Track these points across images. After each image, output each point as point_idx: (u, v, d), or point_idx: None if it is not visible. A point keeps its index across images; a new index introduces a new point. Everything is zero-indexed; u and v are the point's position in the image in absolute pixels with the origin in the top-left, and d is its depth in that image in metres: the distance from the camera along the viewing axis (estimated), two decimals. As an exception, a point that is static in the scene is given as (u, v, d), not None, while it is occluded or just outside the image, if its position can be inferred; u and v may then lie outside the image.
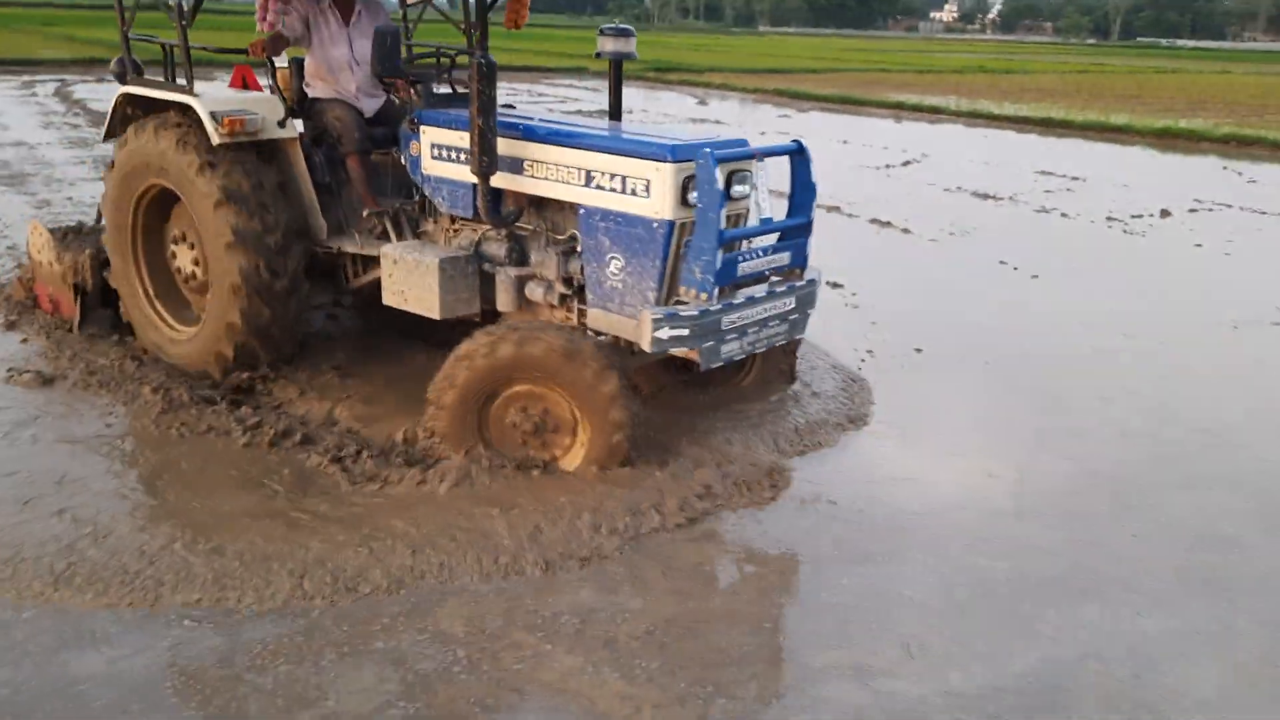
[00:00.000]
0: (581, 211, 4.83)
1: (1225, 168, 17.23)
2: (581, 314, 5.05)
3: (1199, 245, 10.70)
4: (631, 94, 28.64)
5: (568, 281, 5.08)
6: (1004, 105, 26.13)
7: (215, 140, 5.27)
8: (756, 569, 4.19)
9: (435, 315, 5.13)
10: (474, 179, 4.96)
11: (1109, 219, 11.97)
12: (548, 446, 4.77)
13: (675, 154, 4.50)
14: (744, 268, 4.75)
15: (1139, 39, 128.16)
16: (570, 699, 3.27)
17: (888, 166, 16.01)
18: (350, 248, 5.68)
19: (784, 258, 4.98)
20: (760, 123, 22.22)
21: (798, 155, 4.92)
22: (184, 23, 5.37)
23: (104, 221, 6.23)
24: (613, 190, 4.68)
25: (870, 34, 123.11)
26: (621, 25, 5.46)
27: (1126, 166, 17.19)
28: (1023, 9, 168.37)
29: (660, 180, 4.52)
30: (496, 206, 5.05)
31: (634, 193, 4.61)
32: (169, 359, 5.86)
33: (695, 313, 4.50)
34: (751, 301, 4.71)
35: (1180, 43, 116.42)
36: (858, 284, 8.39)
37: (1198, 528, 4.64)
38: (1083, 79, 39.64)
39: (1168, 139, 20.85)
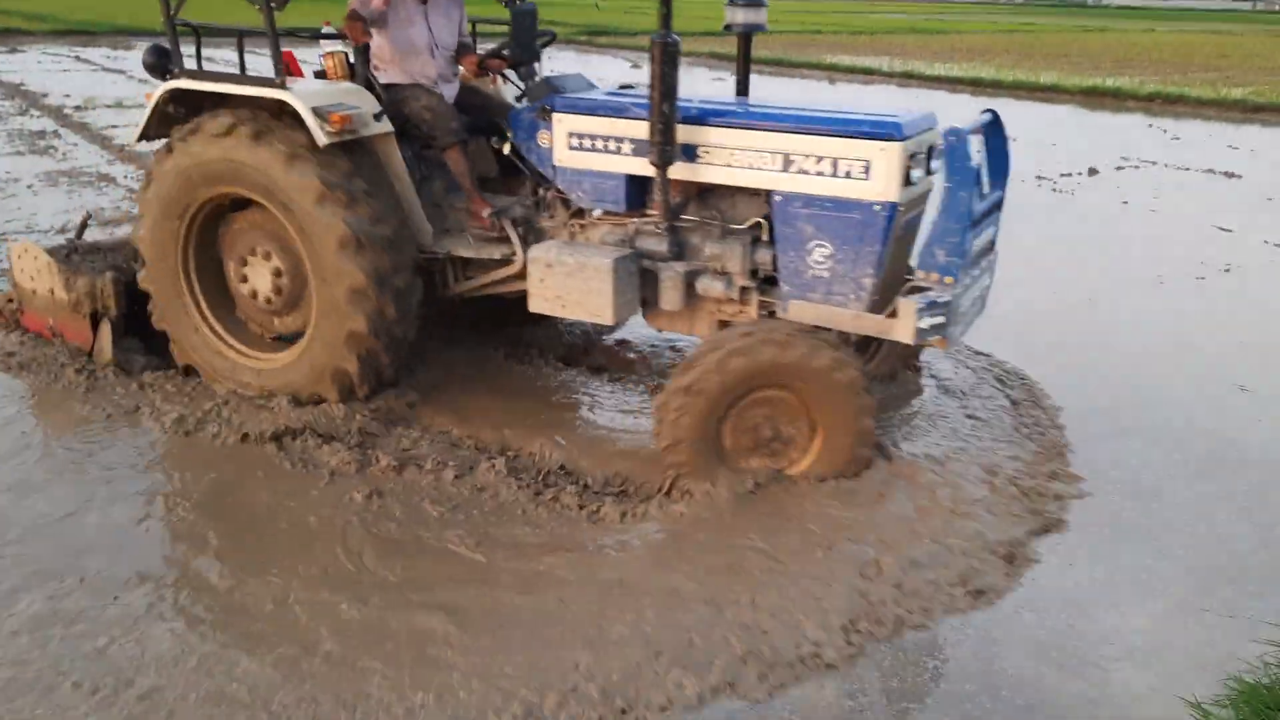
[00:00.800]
0: (777, 198, 4.49)
1: (1151, 125, 17.57)
2: (764, 306, 4.76)
3: (1125, 202, 10.91)
4: (563, 58, 28.29)
5: (753, 273, 4.76)
6: (935, 66, 26.32)
7: (322, 140, 4.70)
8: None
9: (607, 320, 4.70)
10: (625, 169, 4.74)
11: (1038, 178, 12.15)
12: (779, 456, 4.51)
13: (902, 131, 4.20)
14: (973, 246, 4.50)
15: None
16: None
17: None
18: (464, 251, 5.22)
19: (992, 233, 4.82)
20: (695, 87, 22.11)
21: (993, 126, 4.67)
22: (273, 4, 4.79)
23: (130, 236, 5.62)
24: (819, 174, 4.34)
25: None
26: None
27: (1055, 125, 17.48)
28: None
29: (885, 160, 4.21)
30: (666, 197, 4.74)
31: (848, 175, 4.29)
32: (247, 389, 5.25)
33: (949, 298, 4.25)
34: (974, 280, 4.50)
35: (1106, 1, 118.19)
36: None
37: (1124, 479, 4.76)
38: (1011, 39, 40.09)
39: (1095, 97, 21.20)
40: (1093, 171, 12.61)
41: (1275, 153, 14.91)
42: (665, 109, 4.34)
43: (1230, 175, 12.68)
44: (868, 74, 25.65)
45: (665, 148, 4.42)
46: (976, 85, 23.17)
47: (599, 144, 4.81)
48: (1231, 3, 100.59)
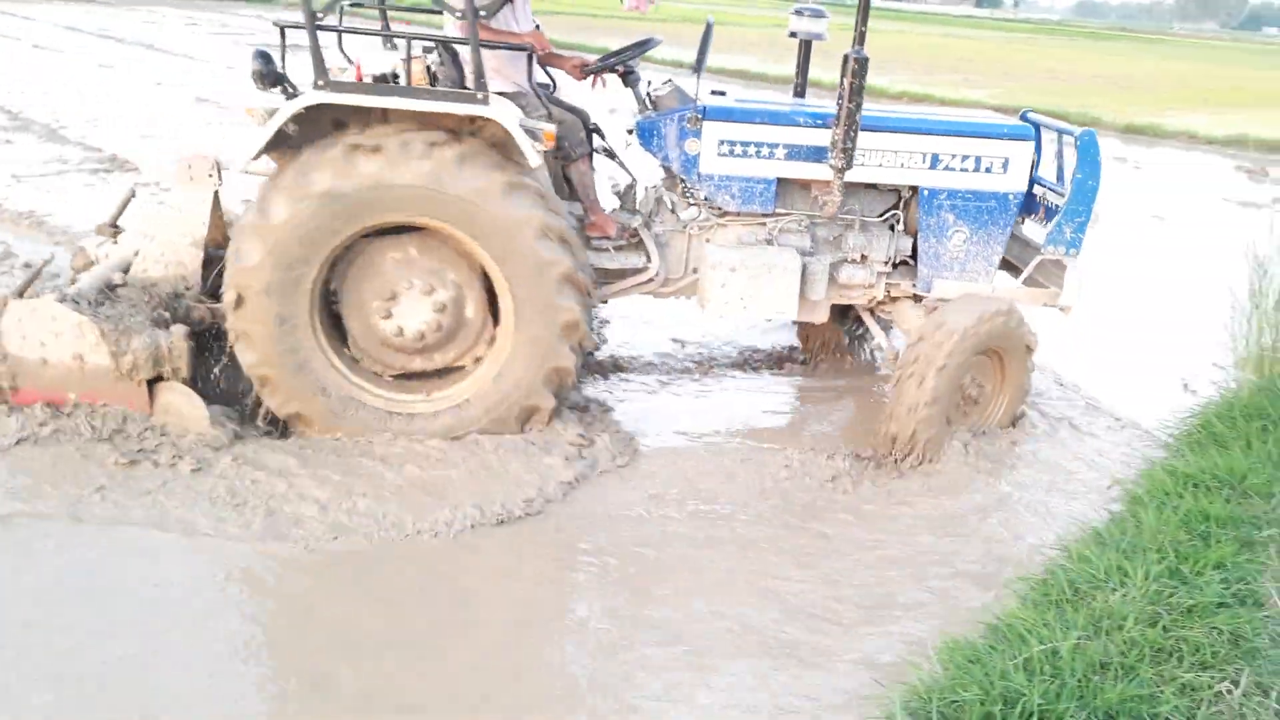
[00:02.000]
0: (924, 192, 5.19)
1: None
2: (890, 288, 5.39)
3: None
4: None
5: (889, 260, 5.39)
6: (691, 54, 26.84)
7: (535, 161, 4.43)
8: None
9: (792, 316, 5.20)
10: (776, 173, 5.10)
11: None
12: (972, 414, 5.17)
13: (1034, 134, 5.21)
14: None
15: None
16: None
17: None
18: (606, 263, 5.12)
19: None
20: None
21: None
22: (481, 13, 4.44)
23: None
24: (964, 170, 5.16)
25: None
26: (815, 6, 5.32)
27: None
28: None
29: (1021, 157, 5.19)
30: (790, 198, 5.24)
31: (989, 170, 5.17)
32: (411, 435, 4.68)
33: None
34: None
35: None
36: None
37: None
38: (775, 34, 41.60)
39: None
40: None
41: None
42: (857, 118, 4.77)
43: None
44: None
45: (849, 152, 4.79)
46: (745, 77, 23.84)
47: (748, 150, 5.09)
48: (972, 9, 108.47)
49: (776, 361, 6.25)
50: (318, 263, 4.47)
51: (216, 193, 5.10)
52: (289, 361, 4.52)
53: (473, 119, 4.45)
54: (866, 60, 4.71)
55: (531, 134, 4.45)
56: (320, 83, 4.33)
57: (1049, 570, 3.82)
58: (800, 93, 5.75)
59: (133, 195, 5.47)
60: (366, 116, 4.43)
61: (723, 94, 5.33)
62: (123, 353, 4.46)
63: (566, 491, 4.43)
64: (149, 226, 5.09)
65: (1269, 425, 4.95)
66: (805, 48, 5.65)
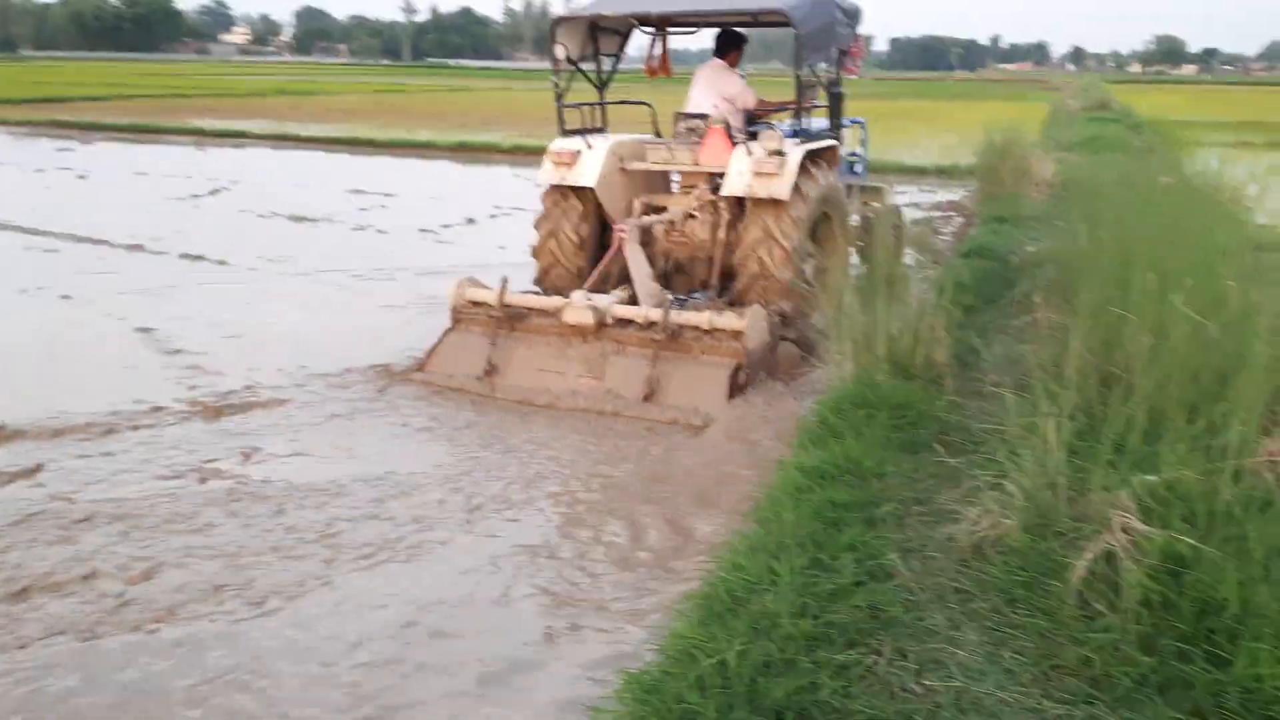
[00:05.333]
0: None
1: (516, 175, 19.00)
2: None
3: (502, 247, 11.54)
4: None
5: None
6: (309, 127, 26.20)
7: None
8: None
9: None
10: None
11: (421, 230, 12.53)
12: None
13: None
14: None
15: (428, 59, 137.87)
16: None
17: (194, 196, 15.11)
18: None
19: None
20: (37, 159, 19.67)
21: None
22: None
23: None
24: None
25: (156, 57, 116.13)
26: None
27: (433, 180, 18.24)
28: (315, 31, 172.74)
29: (854, 135, 9.32)
30: None
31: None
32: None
33: None
34: None
35: (465, 63, 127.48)
36: (177, 328, 7.73)
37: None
38: (383, 98, 41.42)
39: (466, 152, 22.51)
40: (470, 220, 13.30)
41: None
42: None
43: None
44: (239, 137, 24.79)
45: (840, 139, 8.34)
46: (354, 144, 23.45)
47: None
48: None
49: None
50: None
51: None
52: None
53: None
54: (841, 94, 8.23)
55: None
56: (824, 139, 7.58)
57: (708, 584, 3.94)
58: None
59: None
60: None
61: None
62: (781, 329, 6.86)
63: None
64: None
65: (872, 412, 5.46)
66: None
